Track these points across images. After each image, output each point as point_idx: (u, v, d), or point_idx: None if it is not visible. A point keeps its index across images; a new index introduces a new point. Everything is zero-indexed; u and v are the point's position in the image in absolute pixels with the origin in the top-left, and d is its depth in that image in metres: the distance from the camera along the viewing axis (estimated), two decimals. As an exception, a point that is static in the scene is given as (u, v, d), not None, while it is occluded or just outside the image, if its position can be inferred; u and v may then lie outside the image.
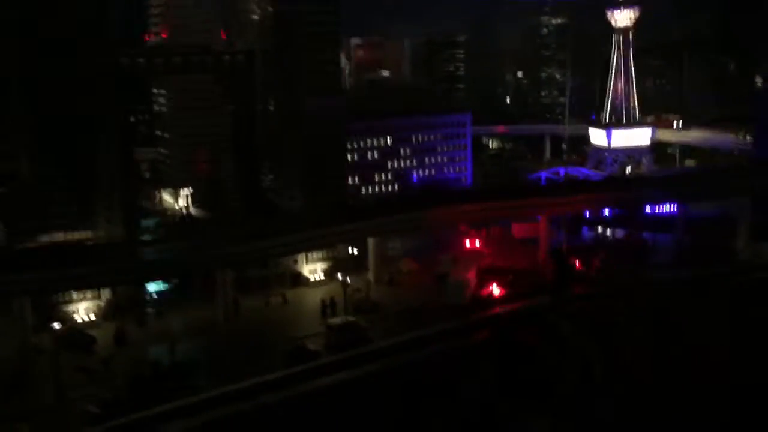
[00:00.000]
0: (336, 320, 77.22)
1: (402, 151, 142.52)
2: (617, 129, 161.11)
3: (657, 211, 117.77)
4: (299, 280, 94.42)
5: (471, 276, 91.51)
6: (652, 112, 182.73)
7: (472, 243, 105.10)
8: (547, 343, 61.89)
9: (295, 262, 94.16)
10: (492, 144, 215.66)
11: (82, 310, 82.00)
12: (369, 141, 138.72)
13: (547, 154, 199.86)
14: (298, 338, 74.40)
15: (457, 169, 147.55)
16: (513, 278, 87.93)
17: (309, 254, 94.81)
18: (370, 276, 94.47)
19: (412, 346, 72.78)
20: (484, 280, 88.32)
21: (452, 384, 63.11)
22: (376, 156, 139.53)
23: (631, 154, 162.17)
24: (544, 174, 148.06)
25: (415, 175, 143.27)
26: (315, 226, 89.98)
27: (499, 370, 62.49)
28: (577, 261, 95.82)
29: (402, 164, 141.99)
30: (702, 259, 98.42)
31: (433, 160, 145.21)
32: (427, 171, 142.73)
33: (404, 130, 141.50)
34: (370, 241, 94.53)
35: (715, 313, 72.82)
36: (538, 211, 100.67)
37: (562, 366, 57.18)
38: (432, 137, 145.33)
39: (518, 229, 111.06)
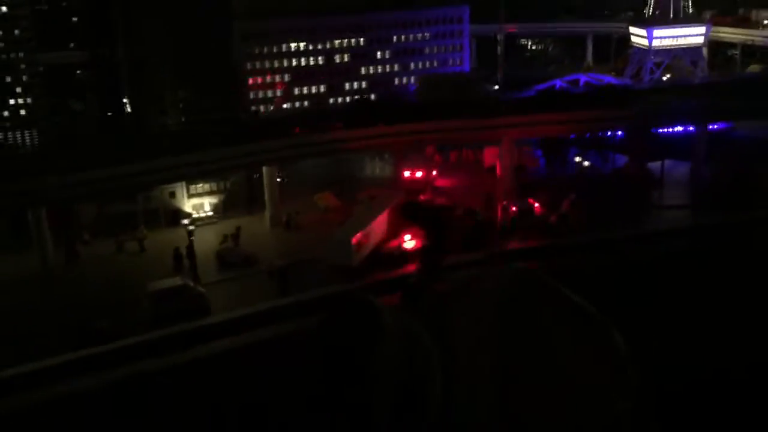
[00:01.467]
0: (159, 284, 57.25)
1: (380, 53, 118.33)
2: (660, 27, 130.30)
3: (681, 131, 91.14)
4: (177, 218, 74.85)
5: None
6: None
7: (413, 173, 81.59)
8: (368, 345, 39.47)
9: (172, 195, 74.44)
10: (530, 46, 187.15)
11: None
12: (335, 42, 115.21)
13: (589, 58, 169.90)
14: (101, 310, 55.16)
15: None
16: (438, 224, 65.40)
17: (193, 186, 75.02)
18: (266, 215, 74.04)
19: (241, 326, 52.68)
20: (398, 226, 66.16)
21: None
22: (345, 59, 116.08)
23: (680, 56, 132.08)
24: (558, 83, 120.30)
25: (397, 81, 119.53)
26: (184, 150, 69.28)
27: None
28: (536, 202, 72.21)
29: (378, 69, 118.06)
30: (723, 200, 73.01)
31: (420, 64, 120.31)
32: (412, 78, 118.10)
33: (381, 27, 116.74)
34: (265, 170, 73.25)
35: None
36: (501, 134, 76.22)
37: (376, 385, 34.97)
38: (419, 36, 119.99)
39: (489, 156, 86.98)
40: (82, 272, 64.16)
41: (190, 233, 62.16)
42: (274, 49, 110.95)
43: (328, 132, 70.74)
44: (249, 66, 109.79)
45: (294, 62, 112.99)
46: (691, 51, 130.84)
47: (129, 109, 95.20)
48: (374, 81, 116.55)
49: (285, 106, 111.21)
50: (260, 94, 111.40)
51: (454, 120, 70.49)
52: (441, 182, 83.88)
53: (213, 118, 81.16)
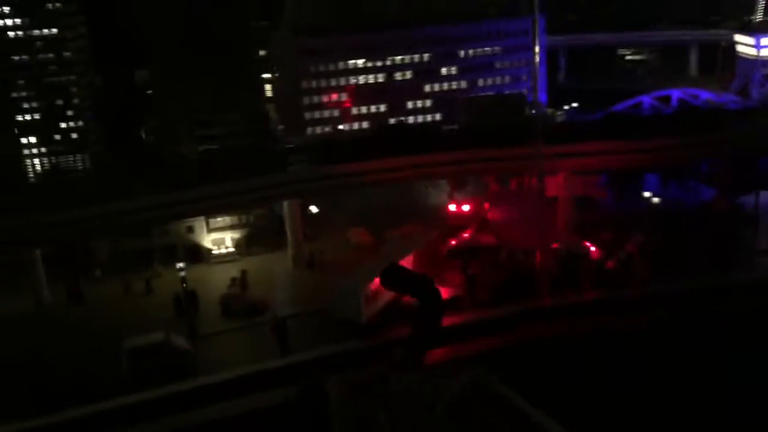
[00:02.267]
0: (136, 340, 50.68)
1: (445, 70, 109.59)
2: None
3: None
4: (198, 254, 68.91)
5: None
6: None
7: (459, 206, 72.20)
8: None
9: (190, 230, 68.63)
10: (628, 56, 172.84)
11: None
12: (397, 59, 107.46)
13: (692, 69, 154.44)
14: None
15: (526, 91, 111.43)
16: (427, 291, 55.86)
17: (213, 220, 68.96)
18: (289, 252, 66.88)
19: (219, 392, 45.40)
20: (424, 271, 57.24)
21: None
22: (407, 76, 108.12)
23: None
24: (646, 99, 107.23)
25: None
26: (203, 181, 63.02)
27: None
28: (592, 244, 61.44)
29: (443, 87, 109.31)
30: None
31: (489, 81, 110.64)
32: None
33: (447, 41, 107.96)
34: (287, 204, 66.08)
35: None
36: (553, 165, 65.78)
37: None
38: (489, 51, 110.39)
39: (553, 185, 76.32)
40: (77, 316, 59.02)
41: (183, 279, 55.65)
42: (331, 67, 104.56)
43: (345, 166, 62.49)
44: (305, 85, 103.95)
45: (352, 80, 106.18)
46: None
47: (145, 137, 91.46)
48: (439, 99, 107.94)
49: (341, 127, 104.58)
50: (317, 115, 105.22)
51: (494, 149, 60.84)
52: (493, 215, 74.19)
53: (236, 146, 74.94)
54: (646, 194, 69.65)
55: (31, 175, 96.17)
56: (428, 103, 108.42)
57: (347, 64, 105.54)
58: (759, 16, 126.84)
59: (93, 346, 52.18)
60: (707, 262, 60.08)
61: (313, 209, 77.29)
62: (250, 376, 47.77)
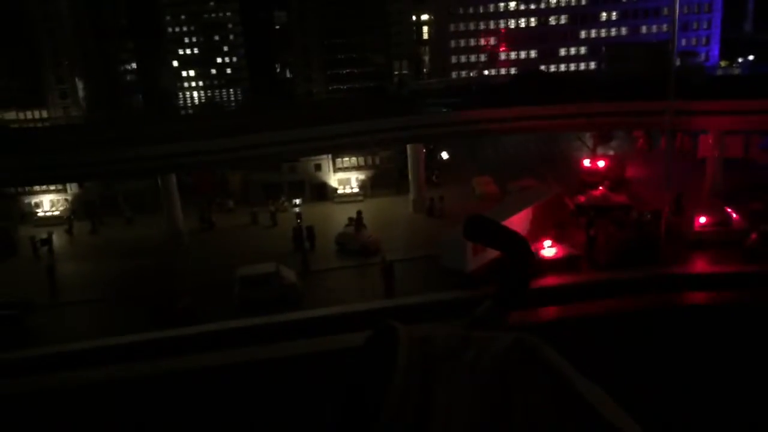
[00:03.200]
0: (249, 269, 52.62)
1: (604, 14, 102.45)
2: None
3: None
4: (324, 192, 70.19)
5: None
6: None
7: (594, 162, 67.90)
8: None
9: (318, 168, 69.83)
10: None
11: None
12: (552, 1, 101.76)
13: None
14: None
15: (694, 41, 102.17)
16: (518, 244, 52.85)
17: (340, 160, 69.73)
18: (410, 197, 66.38)
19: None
20: (542, 227, 54.84)
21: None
22: (562, 21, 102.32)
23: None
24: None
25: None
26: (329, 120, 63.46)
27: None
28: (735, 212, 55.65)
29: (600, 33, 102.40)
30: None
31: (654, 28, 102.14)
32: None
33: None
34: (409, 148, 65.22)
35: None
36: (702, 123, 59.91)
37: None
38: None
39: (704, 145, 69.90)
40: (205, 242, 62.58)
41: (299, 215, 56.94)
42: (481, 9, 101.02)
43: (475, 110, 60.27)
44: (452, 27, 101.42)
45: (502, 24, 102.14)
46: None
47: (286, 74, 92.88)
48: (594, 45, 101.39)
49: (487, 72, 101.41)
50: (462, 59, 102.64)
51: (631, 102, 56.00)
52: (633, 174, 69.50)
53: (361, 88, 74.54)
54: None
55: (189, 107, 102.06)
56: (583, 50, 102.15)
57: (498, 7, 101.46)
58: None
59: (213, 273, 55.27)
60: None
61: (444, 155, 76.21)
62: (348, 314, 48.40)
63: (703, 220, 54.66)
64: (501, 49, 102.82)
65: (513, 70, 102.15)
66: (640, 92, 56.94)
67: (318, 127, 61.70)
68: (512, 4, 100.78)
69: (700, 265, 50.99)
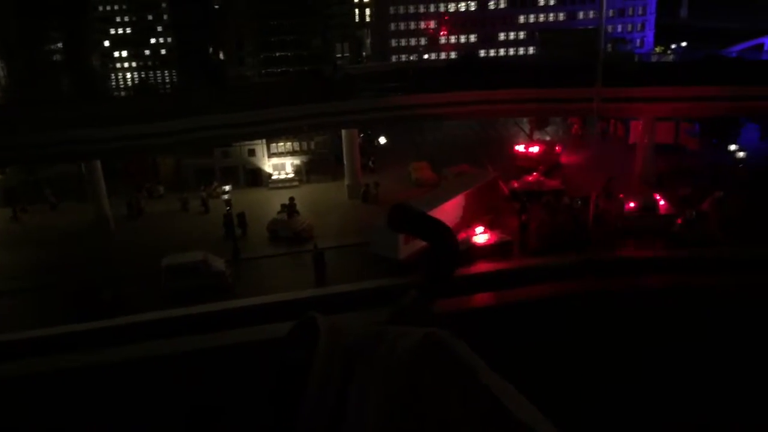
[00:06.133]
0: (175, 258, 51.22)
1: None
2: None
3: None
4: (258, 177, 68.84)
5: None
6: None
7: (527, 148, 68.23)
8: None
9: (252, 153, 68.46)
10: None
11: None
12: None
13: None
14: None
15: (630, 27, 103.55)
16: (439, 231, 53.55)
17: (274, 145, 68.44)
18: (345, 182, 65.63)
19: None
20: (474, 214, 54.83)
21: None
22: (501, 6, 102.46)
23: None
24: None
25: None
26: (263, 105, 62.01)
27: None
28: (662, 199, 56.56)
29: (540, 18, 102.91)
30: None
31: (591, 13, 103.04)
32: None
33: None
34: (344, 133, 64.33)
35: None
36: (635, 110, 60.52)
37: None
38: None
39: (635, 131, 70.84)
40: (133, 229, 60.71)
41: (228, 202, 55.67)
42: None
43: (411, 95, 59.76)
44: (392, 10, 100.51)
45: (442, 8, 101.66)
46: None
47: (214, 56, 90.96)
48: (533, 30, 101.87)
49: (427, 56, 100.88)
50: (402, 43, 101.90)
51: (561, 88, 56.16)
52: (567, 159, 70.12)
53: (296, 71, 73.23)
54: (732, 147, 63.07)
55: (122, 89, 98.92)
56: (522, 35, 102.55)
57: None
58: None
59: (141, 261, 53.56)
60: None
61: (382, 141, 75.58)
62: (276, 304, 47.51)
63: (632, 205, 55.41)
64: (441, 34, 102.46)
65: (453, 55, 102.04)
66: (570, 78, 57.21)
67: (249, 112, 60.26)
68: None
69: (627, 251, 51.65)
